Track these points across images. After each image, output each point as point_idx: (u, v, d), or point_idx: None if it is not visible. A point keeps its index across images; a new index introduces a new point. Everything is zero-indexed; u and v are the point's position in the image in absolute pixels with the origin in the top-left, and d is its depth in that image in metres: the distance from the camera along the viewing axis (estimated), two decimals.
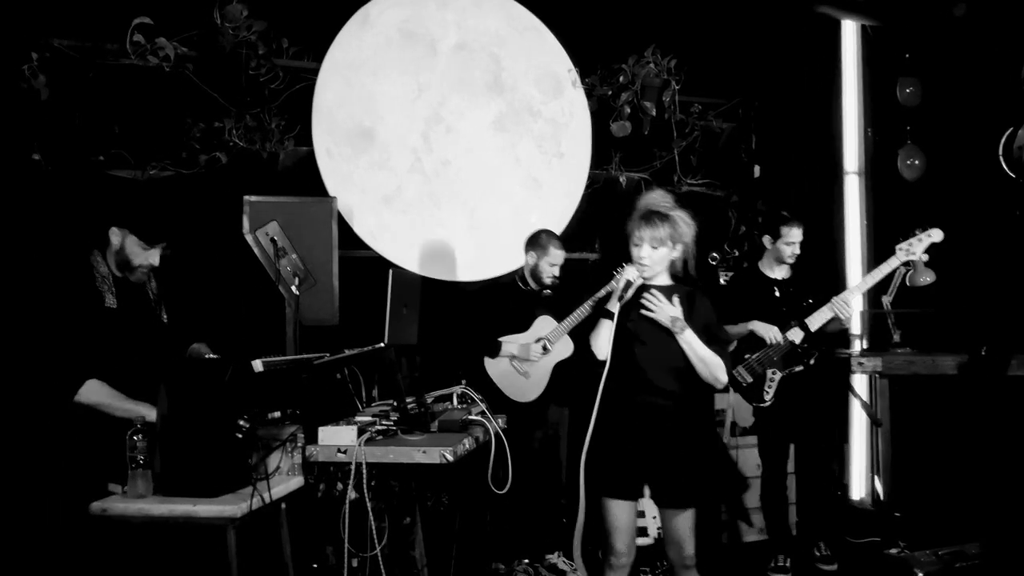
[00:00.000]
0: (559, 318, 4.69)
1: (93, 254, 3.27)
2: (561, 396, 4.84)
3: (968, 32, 5.42)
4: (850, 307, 4.45)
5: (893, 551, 4.68)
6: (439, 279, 5.23)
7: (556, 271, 4.68)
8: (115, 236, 3.26)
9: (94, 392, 3.08)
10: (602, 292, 4.43)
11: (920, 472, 5.28)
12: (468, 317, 4.81)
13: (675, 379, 3.20)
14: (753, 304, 4.66)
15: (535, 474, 4.66)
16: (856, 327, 5.69)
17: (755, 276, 4.79)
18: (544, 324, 4.71)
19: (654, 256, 3.22)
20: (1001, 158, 5.18)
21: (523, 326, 4.69)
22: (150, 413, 2.97)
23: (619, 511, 3.22)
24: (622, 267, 3.35)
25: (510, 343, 4.64)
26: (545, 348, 4.64)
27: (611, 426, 3.19)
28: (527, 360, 4.63)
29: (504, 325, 4.67)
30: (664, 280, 3.32)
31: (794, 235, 4.62)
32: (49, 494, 3.26)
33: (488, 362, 4.62)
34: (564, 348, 4.74)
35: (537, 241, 4.70)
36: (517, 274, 4.80)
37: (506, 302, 4.73)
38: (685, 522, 3.20)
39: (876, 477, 5.57)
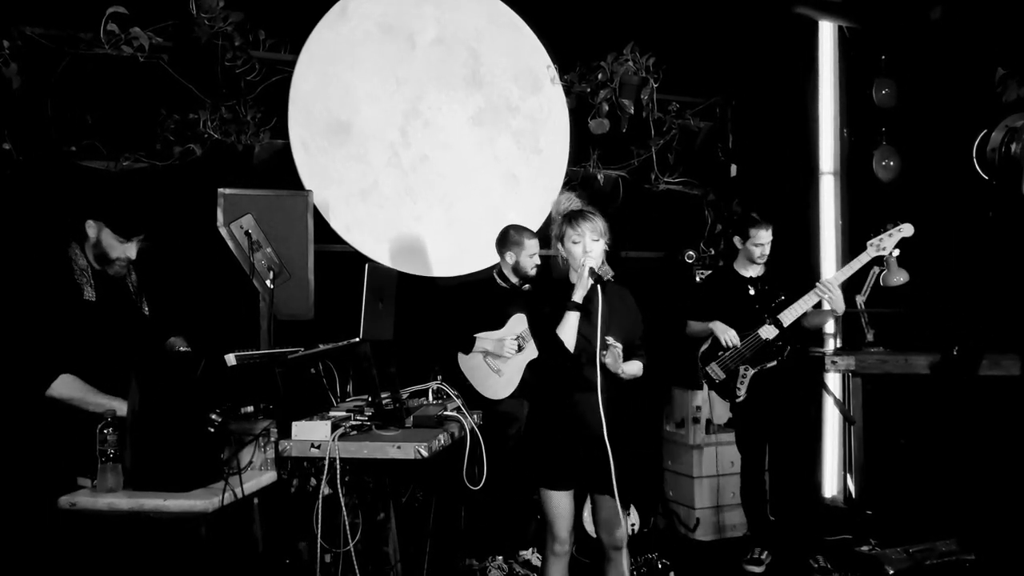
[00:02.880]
0: None
1: (72, 246, 3.22)
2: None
3: (944, 35, 5.47)
4: (835, 291, 4.45)
5: (864, 548, 4.71)
6: (415, 274, 5.21)
7: (536, 260, 4.68)
8: (91, 229, 3.21)
9: (66, 386, 3.03)
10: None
11: (892, 470, 5.32)
12: (443, 313, 4.79)
13: (603, 372, 3.29)
14: (727, 302, 4.70)
15: (509, 471, 4.66)
16: (830, 326, 5.73)
17: (730, 275, 4.85)
18: (519, 322, 4.68)
19: (596, 249, 3.31)
20: (975, 160, 5.23)
21: (498, 324, 4.67)
22: (122, 407, 2.93)
23: (562, 499, 3.36)
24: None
25: (484, 339, 4.62)
26: (520, 346, 4.62)
27: (551, 419, 3.35)
28: (500, 356, 4.61)
29: (479, 322, 4.64)
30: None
31: (762, 237, 4.68)
32: (17, 487, 3.21)
33: (461, 358, 4.60)
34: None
35: (510, 238, 4.66)
36: (496, 271, 4.78)
37: (482, 299, 4.70)
38: (614, 505, 3.35)
39: (848, 475, 5.61)
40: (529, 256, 4.64)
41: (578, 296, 3.25)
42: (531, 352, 4.67)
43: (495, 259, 4.98)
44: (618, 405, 3.34)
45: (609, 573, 3.46)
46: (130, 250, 3.25)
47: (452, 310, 4.74)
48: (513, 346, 4.60)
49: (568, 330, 3.24)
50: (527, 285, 4.72)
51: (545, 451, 3.35)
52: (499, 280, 4.73)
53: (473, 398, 4.39)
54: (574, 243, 3.32)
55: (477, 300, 4.70)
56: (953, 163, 5.39)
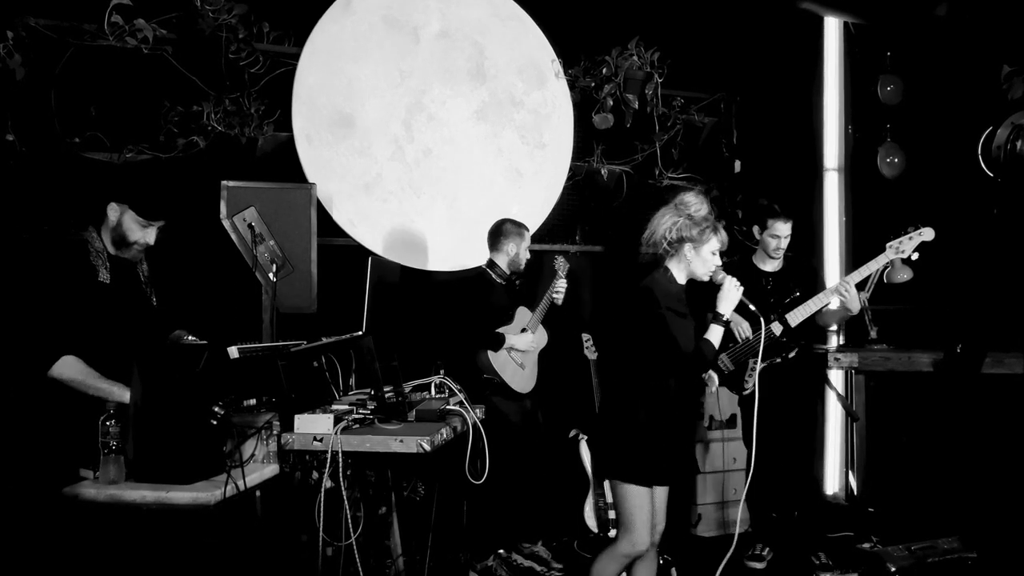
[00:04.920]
0: (530, 308, 4.73)
1: (89, 230, 3.25)
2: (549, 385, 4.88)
3: (949, 32, 5.45)
4: (852, 291, 4.43)
5: (866, 545, 4.71)
6: (416, 268, 5.20)
7: (528, 254, 4.73)
8: (113, 212, 3.22)
9: (68, 367, 3.03)
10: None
11: (894, 467, 5.32)
12: (465, 311, 4.66)
13: None
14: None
15: (537, 461, 4.72)
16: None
17: (746, 268, 4.79)
18: (523, 315, 4.72)
19: None
20: (980, 157, 5.22)
21: (508, 319, 4.68)
22: (124, 395, 2.93)
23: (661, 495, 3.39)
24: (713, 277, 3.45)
25: (509, 335, 4.63)
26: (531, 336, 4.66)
27: (664, 419, 3.31)
28: (521, 351, 4.63)
29: (497, 319, 4.65)
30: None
31: (779, 229, 4.63)
32: (20, 479, 3.21)
33: (491, 355, 4.58)
34: (541, 337, 4.75)
35: (508, 231, 4.68)
36: (486, 265, 4.73)
37: (491, 296, 4.69)
38: (665, 500, 3.39)
39: (850, 472, 5.61)
40: (526, 248, 4.67)
41: (729, 312, 3.35)
42: (538, 344, 4.69)
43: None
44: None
45: (642, 572, 3.42)
46: (149, 235, 3.25)
47: (473, 309, 4.63)
48: (530, 338, 4.64)
49: (715, 341, 3.34)
50: (518, 281, 4.74)
51: (657, 449, 3.30)
52: (493, 275, 4.69)
53: (477, 392, 4.36)
54: (712, 253, 3.33)
55: (489, 297, 4.67)
56: (958, 160, 5.38)
